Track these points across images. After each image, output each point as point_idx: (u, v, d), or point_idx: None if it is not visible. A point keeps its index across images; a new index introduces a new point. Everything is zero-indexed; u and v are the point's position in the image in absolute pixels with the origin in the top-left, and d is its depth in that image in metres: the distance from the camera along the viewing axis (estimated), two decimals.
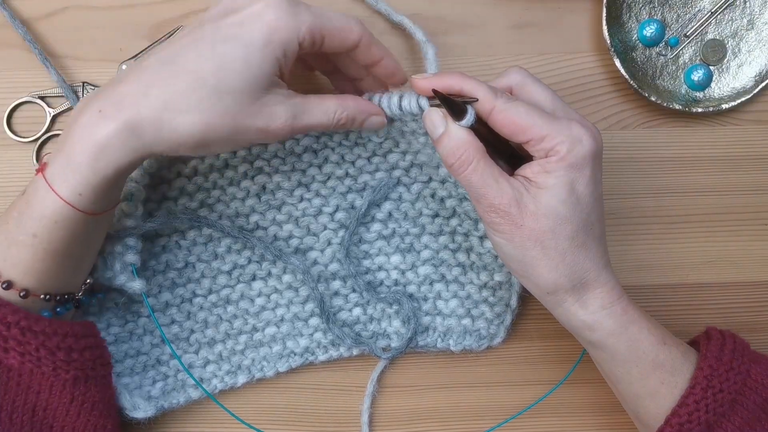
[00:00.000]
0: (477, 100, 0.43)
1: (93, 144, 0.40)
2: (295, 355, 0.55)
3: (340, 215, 0.54)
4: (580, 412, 0.57)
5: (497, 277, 0.53)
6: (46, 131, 0.54)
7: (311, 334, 0.55)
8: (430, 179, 0.53)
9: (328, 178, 0.53)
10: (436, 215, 0.54)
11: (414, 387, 0.57)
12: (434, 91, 0.44)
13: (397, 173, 0.53)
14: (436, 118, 0.44)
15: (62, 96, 0.54)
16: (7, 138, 0.54)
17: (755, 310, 0.57)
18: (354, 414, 0.56)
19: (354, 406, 0.56)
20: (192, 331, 0.54)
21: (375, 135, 0.52)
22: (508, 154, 0.46)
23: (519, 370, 0.57)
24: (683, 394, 0.44)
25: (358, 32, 0.44)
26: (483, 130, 0.44)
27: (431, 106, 0.45)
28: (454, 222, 0.54)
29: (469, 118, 0.43)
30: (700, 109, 0.55)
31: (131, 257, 0.48)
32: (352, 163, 0.53)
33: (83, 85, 0.54)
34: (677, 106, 0.55)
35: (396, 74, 0.48)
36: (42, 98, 0.55)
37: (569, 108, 0.45)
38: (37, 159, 0.55)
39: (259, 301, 0.54)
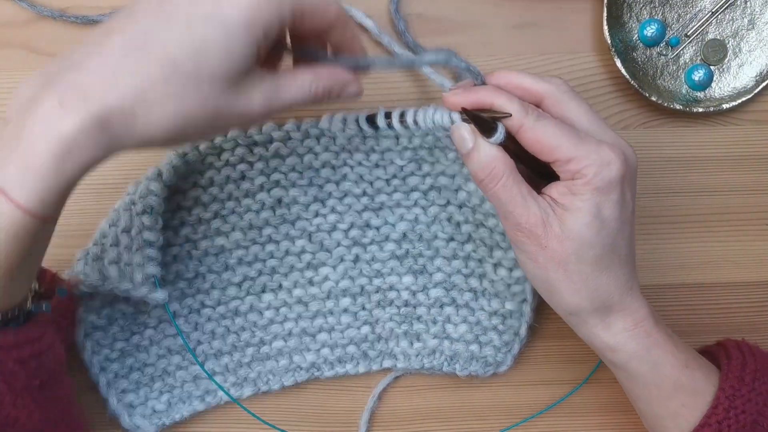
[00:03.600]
0: (509, 115, 0.42)
1: (57, 143, 0.34)
2: (301, 369, 0.55)
3: (354, 232, 0.54)
4: (588, 412, 0.57)
5: (508, 306, 0.53)
6: None
7: (318, 350, 0.55)
8: (448, 203, 0.53)
9: (345, 195, 0.53)
10: (451, 239, 0.54)
11: (416, 386, 0.57)
12: (464, 110, 0.43)
13: (415, 195, 0.53)
14: (465, 133, 0.44)
15: None
16: None
17: (755, 310, 0.57)
18: (357, 415, 0.56)
19: (358, 406, 0.57)
20: (199, 342, 0.54)
21: (398, 158, 0.52)
22: (537, 169, 0.46)
23: (521, 370, 0.57)
24: (705, 414, 0.44)
25: (335, 10, 0.41)
26: (511, 144, 0.44)
27: (463, 120, 0.44)
28: (468, 247, 0.54)
29: (498, 135, 0.43)
30: (700, 109, 0.55)
31: (153, 269, 0.48)
32: (371, 183, 0.53)
33: None
34: (678, 106, 0.55)
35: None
36: None
37: (605, 126, 0.44)
38: None
39: (268, 314, 0.54)
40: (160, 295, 0.49)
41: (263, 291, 0.54)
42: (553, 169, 0.43)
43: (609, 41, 0.54)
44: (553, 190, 0.43)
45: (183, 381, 0.54)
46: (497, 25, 0.56)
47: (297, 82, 0.41)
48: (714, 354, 0.48)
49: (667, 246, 0.57)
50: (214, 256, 0.53)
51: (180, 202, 0.52)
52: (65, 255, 0.55)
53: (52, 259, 0.54)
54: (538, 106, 0.44)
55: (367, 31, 0.55)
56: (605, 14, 0.54)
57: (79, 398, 0.54)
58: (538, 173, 0.46)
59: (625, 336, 0.44)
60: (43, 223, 0.36)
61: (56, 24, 0.55)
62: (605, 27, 0.54)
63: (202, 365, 0.54)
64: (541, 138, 0.42)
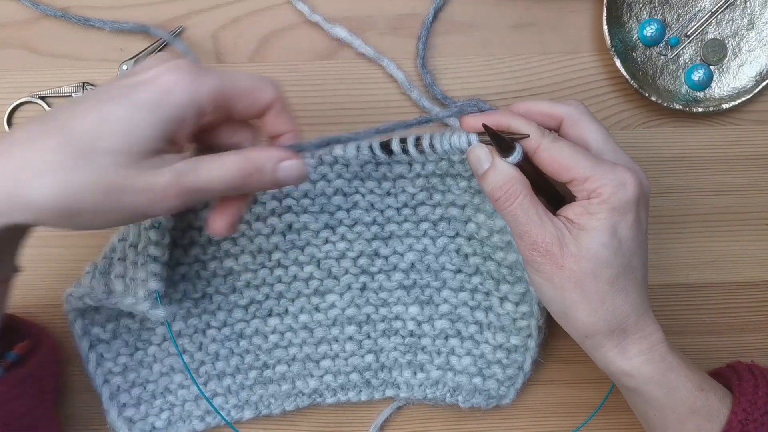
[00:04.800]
0: (526, 136, 0.43)
1: None
2: (303, 395, 0.55)
3: (362, 261, 0.53)
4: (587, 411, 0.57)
5: (513, 340, 0.53)
6: None
7: (321, 376, 0.55)
8: (457, 234, 0.53)
9: (355, 223, 0.53)
10: (459, 271, 0.54)
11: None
12: (484, 126, 0.44)
13: (424, 226, 0.53)
14: (482, 153, 0.44)
15: (62, 96, 0.54)
16: None
17: (755, 310, 0.57)
18: None
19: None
20: (202, 363, 0.54)
21: (411, 185, 0.52)
22: (551, 194, 0.46)
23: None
24: None
25: (271, 94, 0.40)
26: (526, 168, 0.44)
27: (481, 141, 0.45)
28: (476, 280, 0.53)
29: (516, 155, 0.43)
30: (700, 109, 0.55)
31: (155, 284, 0.48)
32: (381, 212, 0.53)
33: (83, 85, 0.54)
34: (678, 106, 0.55)
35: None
36: (42, 98, 0.55)
37: (620, 150, 0.45)
38: None
39: (273, 338, 0.54)
40: (160, 312, 0.48)
41: (269, 315, 0.54)
42: (565, 199, 0.43)
43: (609, 41, 0.54)
44: (569, 211, 0.43)
45: (184, 400, 0.54)
46: (497, 25, 0.56)
47: (218, 162, 0.38)
48: (725, 377, 0.48)
49: (667, 246, 0.57)
50: (222, 277, 0.53)
51: (191, 222, 0.52)
52: (65, 254, 0.55)
53: (52, 257, 0.55)
54: (557, 129, 0.45)
55: (398, 83, 0.55)
56: (605, 14, 0.54)
57: (78, 398, 0.55)
58: (552, 201, 0.46)
59: (640, 360, 0.44)
60: None
61: (56, 24, 0.55)
62: (605, 27, 0.54)
63: (198, 386, 0.53)
64: (558, 157, 0.42)
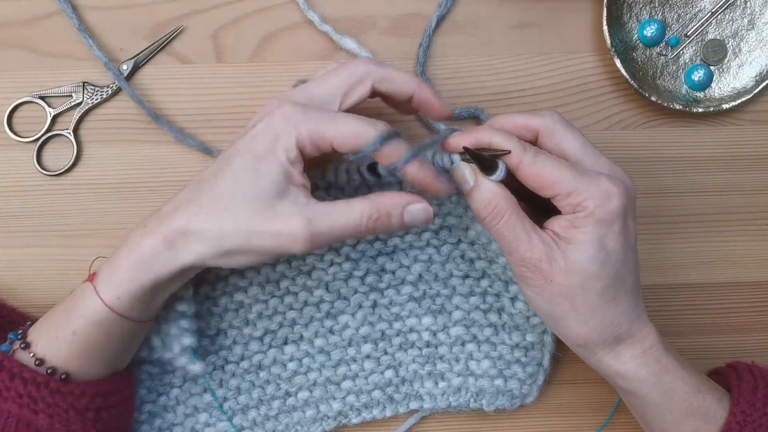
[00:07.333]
0: (508, 152, 0.43)
1: (135, 256, 0.43)
2: (328, 418, 0.55)
3: (370, 278, 0.53)
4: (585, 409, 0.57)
5: (529, 338, 0.53)
6: (47, 131, 0.54)
7: (344, 398, 0.55)
8: (459, 241, 0.53)
9: (358, 242, 0.53)
10: (467, 276, 0.54)
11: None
12: (465, 148, 0.43)
13: (426, 236, 0.53)
14: (466, 172, 0.44)
15: (62, 96, 0.54)
16: (8, 138, 0.54)
17: (755, 310, 0.57)
18: None
19: None
20: (225, 399, 0.54)
21: None
22: (537, 205, 0.45)
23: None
24: None
25: (373, 135, 0.42)
26: (510, 181, 0.44)
27: (463, 161, 0.44)
28: (484, 283, 0.54)
29: (499, 173, 0.43)
30: (700, 109, 0.55)
31: (188, 340, 0.48)
32: None
33: (83, 85, 0.54)
34: (678, 106, 0.55)
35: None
36: (42, 98, 0.55)
37: (600, 155, 0.44)
38: (38, 160, 0.55)
39: (292, 365, 0.54)
40: (197, 367, 0.49)
41: (285, 343, 0.54)
42: (553, 205, 0.43)
43: (609, 41, 0.54)
44: (555, 224, 0.43)
45: None
46: (497, 25, 0.56)
47: (347, 209, 0.42)
48: (725, 376, 0.48)
49: (667, 246, 0.57)
50: (234, 311, 0.53)
51: None
52: (65, 254, 0.55)
53: (52, 257, 0.55)
54: (534, 140, 0.45)
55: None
56: (605, 14, 0.54)
57: None
58: (539, 209, 0.46)
59: (635, 364, 0.44)
60: (121, 319, 0.44)
61: (56, 24, 0.55)
62: (605, 27, 0.54)
63: (235, 426, 0.54)
64: (540, 173, 0.42)
